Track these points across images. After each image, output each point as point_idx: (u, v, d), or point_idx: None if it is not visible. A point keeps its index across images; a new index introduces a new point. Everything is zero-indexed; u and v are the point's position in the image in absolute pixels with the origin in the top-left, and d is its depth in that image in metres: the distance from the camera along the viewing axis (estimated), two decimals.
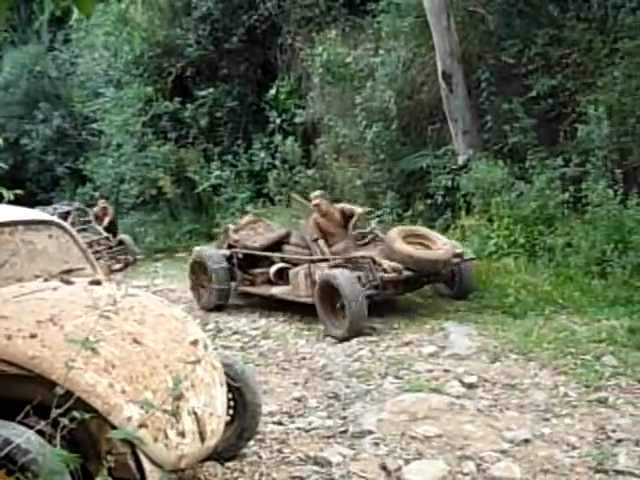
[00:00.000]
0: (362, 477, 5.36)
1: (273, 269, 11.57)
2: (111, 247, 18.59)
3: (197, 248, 13.60)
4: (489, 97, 13.92)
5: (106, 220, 19.69)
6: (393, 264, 9.98)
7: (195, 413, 4.67)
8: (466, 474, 5.31)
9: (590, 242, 10.69)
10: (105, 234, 18.82)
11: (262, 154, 19.35)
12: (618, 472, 5.29)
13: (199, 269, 12.26)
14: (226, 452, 5.56)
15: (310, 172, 17.64)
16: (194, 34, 20.66)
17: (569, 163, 12.14)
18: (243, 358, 8.53)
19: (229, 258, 12.17)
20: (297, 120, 18.85)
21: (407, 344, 8.90)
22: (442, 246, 10.36)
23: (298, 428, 6.44)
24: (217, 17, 20.50)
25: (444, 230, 13.13)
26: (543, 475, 5.27)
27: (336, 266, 10.28)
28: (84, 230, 18.66)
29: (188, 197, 21.19)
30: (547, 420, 6.36)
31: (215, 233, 18.82)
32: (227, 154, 20.10)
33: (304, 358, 8.81)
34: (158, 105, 21.27)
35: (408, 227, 11.56)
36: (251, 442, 5.90)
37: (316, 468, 5.54)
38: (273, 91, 19.60)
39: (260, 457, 5.80)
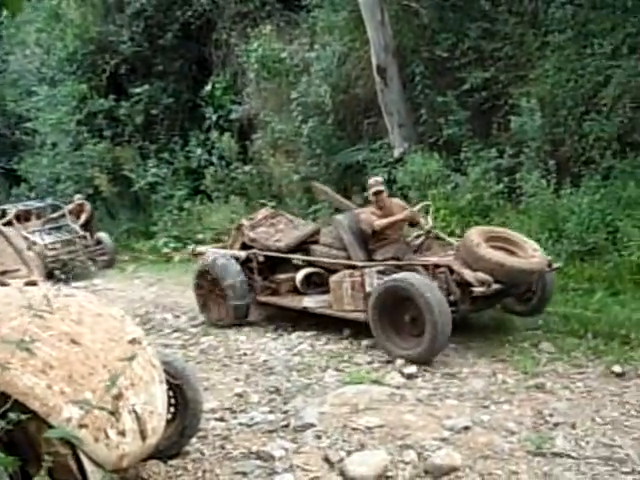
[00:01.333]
0: (305, 470, 5.39)
1: (300, 275, 10.02)
2: (88, 247, 17.24)
3: (202, 249, 11.44)
4: (424, 90, 14.05)
5: (82, 217, 18.30)
6: (480, 275, 7.97)
7: (135, 412, 4.64)
8: (408, 463, 5.37)
9: (525, 231, 10.81)
10: (81, 233, 17.40)
11: (199, 151, 19.21)
12: (556, 455, 5.43)
13: (209, 279, 10.31)
14: (169, 450, 5.56)
15: (247, 168, 17.59)
16: (128, 30, 20.43)
17: (503, 154, 12.33)
18: (184, 355, 8.54)
19: (245, 262, 10.28)
20: (233, 116, 18.75)
21: (347, 337, 8.96)
22: (534, 253, 8.40)
23: (240, 424, 6.44)
24: (151, 13, 20.28)
25: None
26: (483, 461, 5.36)
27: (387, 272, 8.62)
28: (58, 229, 17.59)
29: (125, 196, 20.94)
30: (486, 407, 6.47)
31: (153, 231, 18.71)
32: (163, 151, 19.90)
33: (245, 354, 8.79)
34: (93, 103, 20.95)
35: (489, 227, 9.42)
36: (193, 439, 5.90)
37: (259, 463, 5.55)
38: (209, 87, 19.45)
39: (203, 454, 5.81)
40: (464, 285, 8.07)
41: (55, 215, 18.30)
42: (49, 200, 20.12)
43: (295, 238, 10.48)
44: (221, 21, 19.75)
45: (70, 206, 18.71)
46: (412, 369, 7.44)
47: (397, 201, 10.01)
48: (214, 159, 18.46)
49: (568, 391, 6.73)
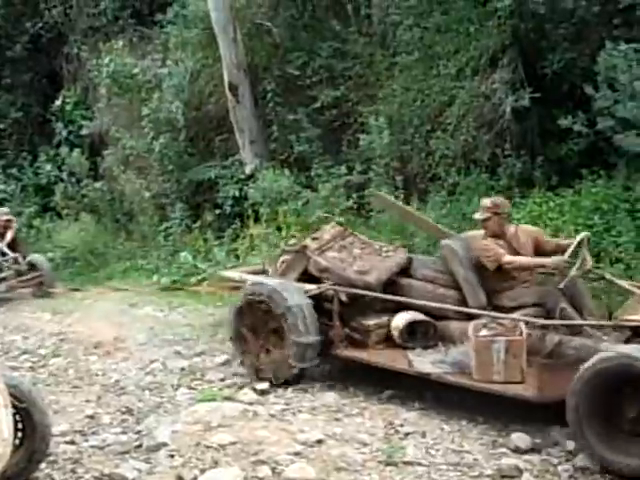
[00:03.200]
0: None
1: (402, 321, 7.27)
2: (21, 273, 13.94)
3: (233, 275, 8.77)
4: (275, 108, 14.22)
5: (8, 236, 14.58)
6: None
7: None
8: (262, 478, 5.36)
9: None
10: (11, 254, 14.12)
11: (48, 167, 18.72)
12: (407, 463, 5.56)
13: (259, 317, 7.51)
14: (17, 477, 5.34)
15: (98, 185, 17.25)
16: None
17: (353, 171, 12.64)
18: (32, 378, 8.24)
19: (314, 298, 7.41)
20: (84, 132, 18.42)
21: (199, 354, 8.89)
22: None
23: (92, 446, 6.26)
24: None
25: (233, 240, 13.29)
26: (337, 473, 5.42)
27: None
28: None
29: None
30: (338, 420, 6.55)
31: None
32: (12, 167, 19.26)
33: (96, 374, 8.55)
34: None
35: None
36: (43, 464, 5.69)
37: None
38: (59, 102, 19.05)
39: (53, 479, 5.63)
40: None
41: None
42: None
43: (386, 270, 7.77)
44: (72, 34, 19.38)
45: None
46: (264, 385, 7.41)
47: (526, 228, 7.76)
48: (64, 175, 18.01)
49: (418, 401, 6.90)
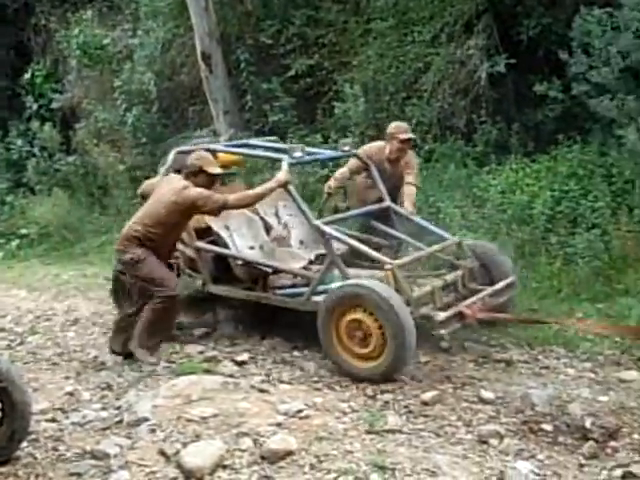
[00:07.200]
0: (141, 465, 5.29)
1: None
2: (472, 275, 7.57)
3: None
4: (249, 77, 14.07)
5: (412, 185, 8.67)
6: None
7: None
8: (244, 450, 5.37)
9: None
10: (448, 236, 7.91)
11: (19, 142, 18.40)
12: (388, 431, 5.62)
13: None
14: None
15: (71, 159, 17.04)
16: None
17: (328, 140, 12.53)
18: (10, 357, 8.18)
19: None
20: (55, 105, 18.11)
21: (179, 328, 8.77)
22: None
23: (73, 423, 6.24)
24: None
25: None
26: (318, 443, 5.43)
27: None
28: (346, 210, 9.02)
29: None
30: (319, 390, 6.59)
31: None
32: None
33: (75, 351, 8.52)
34: None
35: None
36: (24, 443, 5.65)
37: (94, 462, 5.41)
38: (28, 75, 18.72)
39: (35, 458, 5.58)
40: None
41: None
42: (345, 146, 9.01)
43: None
44: (40, 5, 18.99)
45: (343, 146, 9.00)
46: (244, 356, 7.47)
47: None
48: (36, 150, 17.74)
49: None
